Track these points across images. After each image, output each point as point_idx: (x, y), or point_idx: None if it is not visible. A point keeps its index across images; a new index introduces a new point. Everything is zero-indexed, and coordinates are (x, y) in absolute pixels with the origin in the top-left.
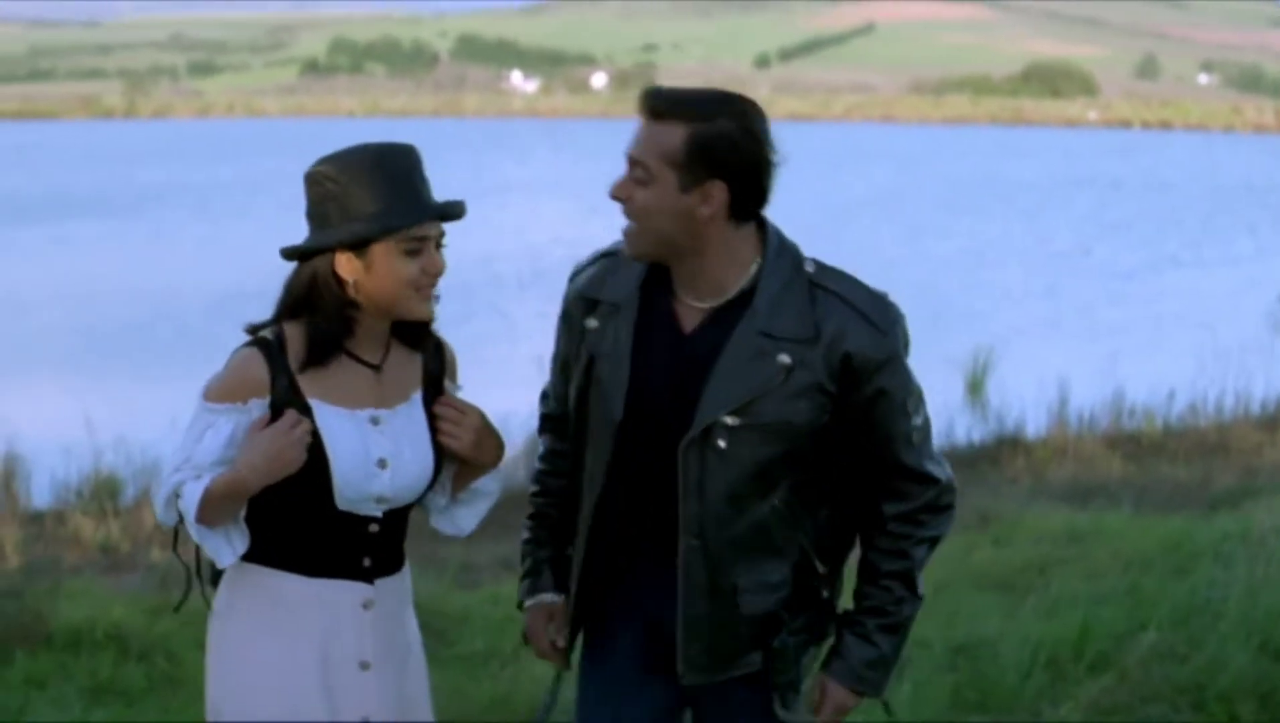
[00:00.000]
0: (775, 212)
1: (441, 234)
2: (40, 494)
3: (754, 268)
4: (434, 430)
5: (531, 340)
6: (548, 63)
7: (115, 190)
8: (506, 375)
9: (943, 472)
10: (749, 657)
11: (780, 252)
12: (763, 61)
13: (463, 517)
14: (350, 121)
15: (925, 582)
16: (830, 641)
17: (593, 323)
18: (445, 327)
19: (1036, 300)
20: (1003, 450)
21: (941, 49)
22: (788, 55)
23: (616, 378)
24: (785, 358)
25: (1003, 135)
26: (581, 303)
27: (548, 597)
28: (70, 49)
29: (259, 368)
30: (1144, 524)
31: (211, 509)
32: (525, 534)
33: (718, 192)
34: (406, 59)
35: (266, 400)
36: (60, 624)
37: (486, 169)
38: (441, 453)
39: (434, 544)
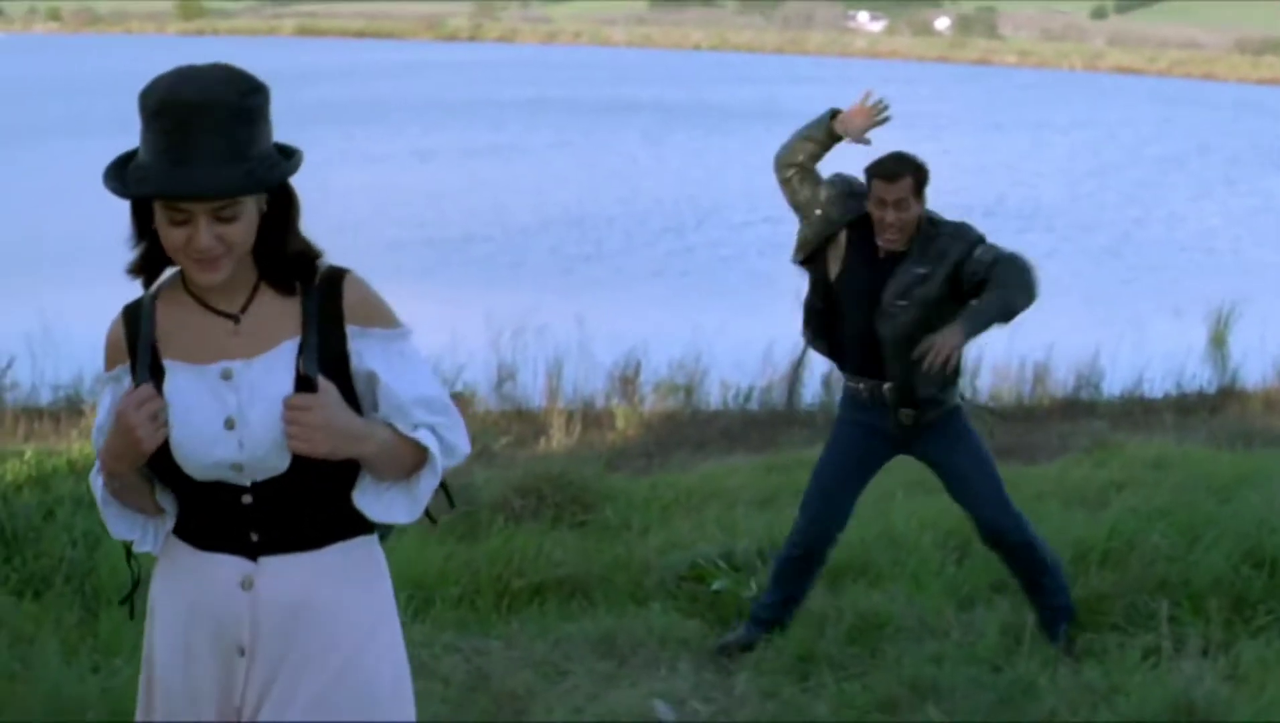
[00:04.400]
0: (1094, 162)
1: (219, 208)
2: None
3: None
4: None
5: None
6: (894, 3)
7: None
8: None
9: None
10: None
11: None
12: (1099, 13)
13: (394, 502)
14: (696, 54)
15: (1025, 492)
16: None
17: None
18: (757, 254)
19: None
20: (1222, 400)
21: (1270, 8)
22: (1124, 7)
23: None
24: (922, 270)
25: None
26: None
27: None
28: None
29: (118, 332)
30: (1231, 458)
31: (110, 482)
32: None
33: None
34: None
35: (128, 366)
36: None
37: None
38: None
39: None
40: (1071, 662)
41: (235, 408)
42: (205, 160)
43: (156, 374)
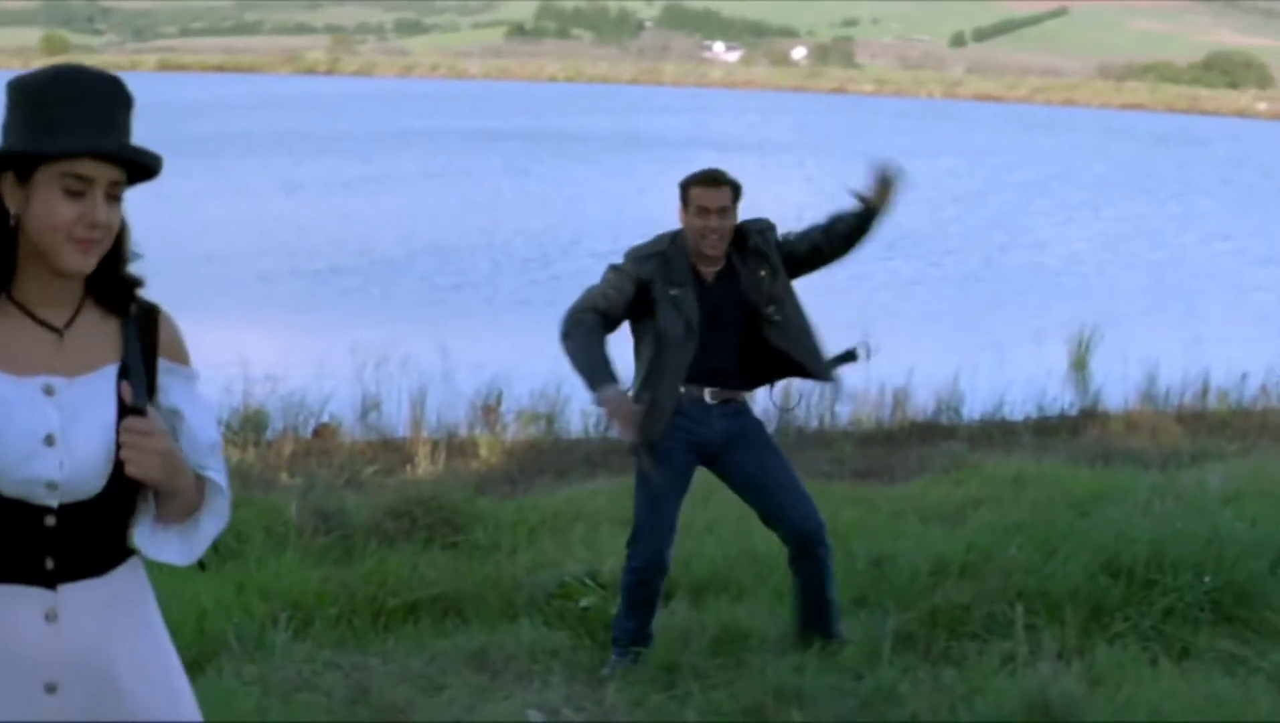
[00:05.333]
0: (957, 188)
1: (115, 183)
2: None
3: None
4: (123, 412)
5: None
6: (750, 34)
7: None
8: None
9: None
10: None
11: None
12: (958, 41)
13: (167, 544)
14: (553, 86)
15: (883, 511)
16: None
17: (674, 292)
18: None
19: (1168, 282)
20: (1083, 422)
21: (1130, 35)
22: (983, 35)
23: (693, 314)
24: (762, 272)
25: (1174, 122)
26: (661, 281)
27: (623, 386)
28: (278, 3)
29: None
30: (1090, 475)
31: None
32: (582, 340)
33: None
34: (612, 26)
35: None
36: None
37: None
38: None
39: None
40: (930, 668)
41: (57, 425)
42: (114, 129)
43: None
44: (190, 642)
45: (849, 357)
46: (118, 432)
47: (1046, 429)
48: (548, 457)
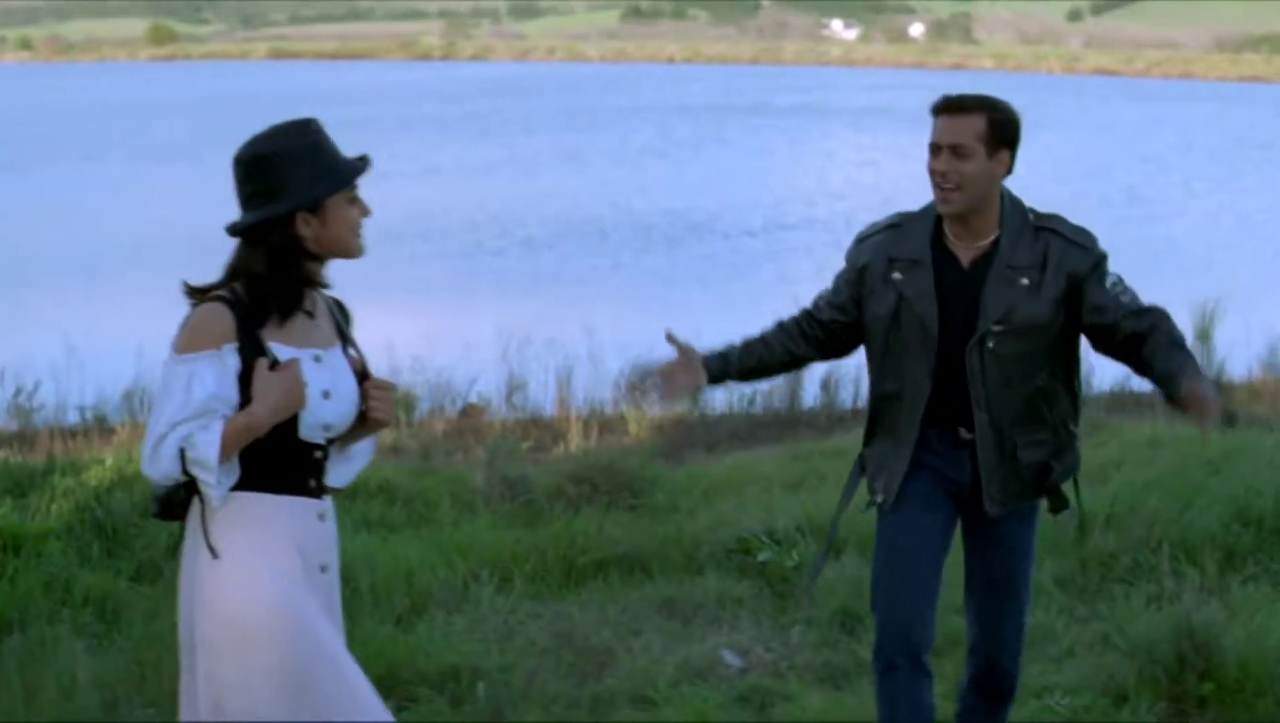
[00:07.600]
0: (1069, 162)
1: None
2: None
3: (996, 218)
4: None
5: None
6: (868, 10)
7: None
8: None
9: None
10: (1032, 495)
11: (1012, 204)
12: (1075, 15)
13: (340, 471)
14: (670, 67)
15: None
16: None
17: (897, 275)
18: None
19: None
20: None
21: (1247, 5)
22: (1100, 9)
23: (928, 309)
24: (1024, 280)
25: None
26: (882, 262)
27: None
28: None
29: (227, 318)
30: (1219, 437)
31: (229, 449)
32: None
33: (1005, 157)
34: (729, 4)
35: (236, 346)
36: None
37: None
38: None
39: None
40: (1085, 607)
41: (330, 384)
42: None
43: (261, 353)
44: (403, 595)
45: (1059, 503)
46: (361, 390)
47: None
48: (696, 432)
